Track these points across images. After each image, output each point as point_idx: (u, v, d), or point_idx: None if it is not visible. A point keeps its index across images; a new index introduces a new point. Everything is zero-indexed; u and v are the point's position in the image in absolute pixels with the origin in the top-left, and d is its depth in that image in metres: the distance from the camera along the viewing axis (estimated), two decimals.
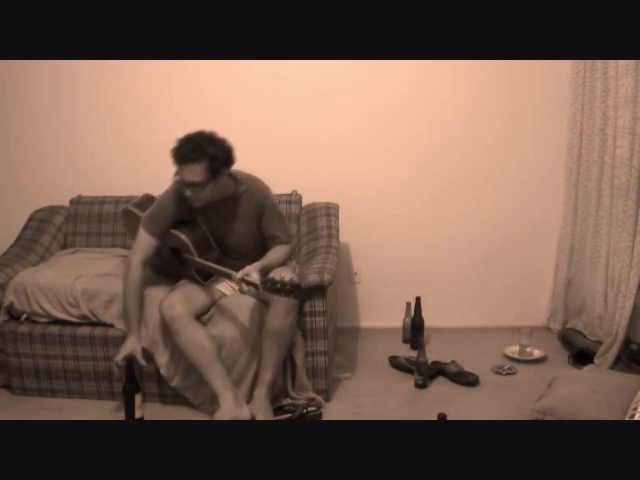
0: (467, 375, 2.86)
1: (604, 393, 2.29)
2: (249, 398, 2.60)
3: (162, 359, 2.65)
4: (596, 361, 2.87)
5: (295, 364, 2.66)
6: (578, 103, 3.10)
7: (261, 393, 2.56)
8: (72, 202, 3.45)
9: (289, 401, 2.65)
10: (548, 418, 2.30)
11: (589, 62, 3.00)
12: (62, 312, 2.81)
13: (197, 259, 2.59)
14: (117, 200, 3.39)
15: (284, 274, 2.41)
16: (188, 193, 2.50)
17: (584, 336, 3.11)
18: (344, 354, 3.19)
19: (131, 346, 2.54)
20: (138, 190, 3.33)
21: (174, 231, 2.62)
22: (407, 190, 3.43)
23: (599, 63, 2.91)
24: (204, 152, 2.41)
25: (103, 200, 3.41)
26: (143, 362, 2.53)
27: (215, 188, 2.51)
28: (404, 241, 3.47)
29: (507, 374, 2.92)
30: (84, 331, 2.78)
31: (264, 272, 2.50)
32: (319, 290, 2.64)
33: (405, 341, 3.33)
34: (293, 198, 3.29)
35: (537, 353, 3.08)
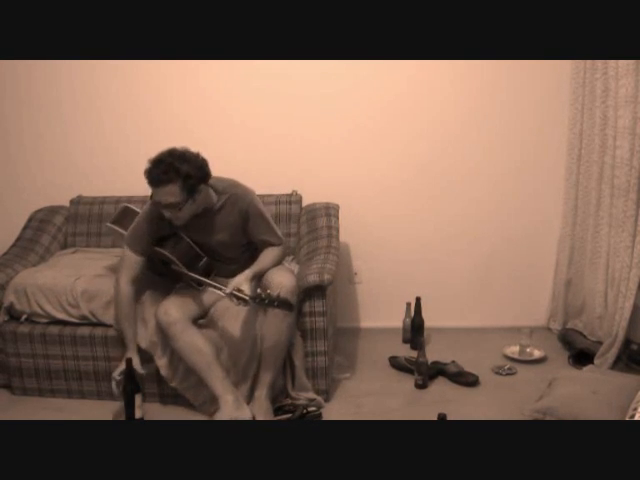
0: (467, 375, 2.85)
1: (604, 393, 2.30)
2: (249, 398, 2.60)
3: (162, 360, 2.64)
4: (596, 361, 2.87)
5: (294, 364, 2.66)
6: (578, 103, 3.10)
7: (261, 393, 2.56)
8: (72, 202, 3.45)
9: (289, 401, 2.65)
10: (548, 418, 2.30)
11: (589, 62, 3.00)
12: (62, 312, 2.81)
13: (185, 272, 2.58)
14: (117, 200, 3.38)
15: (282, 283, 2.42)
16: (167, 214, 2.46)
17: (584, 336, 3.11)
18: (344, 354, 3.18)
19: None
20: (138, 190, 3.32)
21: (157, 249, 2.59)
22: (407, 190, 3.43)
23: (599, 63, 2.91)
24: (177, 172, 2.35)
25: (103, 200, 3.41)
26: (141, 371, 2.52)
27: (194, 205, 2.47)
28: (404, 241, 3.47)
29: (507, 374, 2.92)
30: (84, 331, 2.78)
31: (257, 278, 2.51)
32: (319, 290, 2.64)
33: (405, 341, 3.33)
34: (293, 198, 3.29)
35: (537, 353, 3.08)
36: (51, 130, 3.53)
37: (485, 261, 3.47)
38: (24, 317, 2.84)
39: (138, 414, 2.45)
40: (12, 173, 3.60)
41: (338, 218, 3.17)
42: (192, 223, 2.57)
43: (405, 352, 3.14)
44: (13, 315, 2.87)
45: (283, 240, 2.70)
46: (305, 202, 3.31)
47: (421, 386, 2.81)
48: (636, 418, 1.95)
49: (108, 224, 3.05)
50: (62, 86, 3.47)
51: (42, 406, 2.77)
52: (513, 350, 3.10)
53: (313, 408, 2.60)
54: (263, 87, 3.34)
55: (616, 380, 2.47)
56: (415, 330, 3.22)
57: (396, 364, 3.03)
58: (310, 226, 3.15)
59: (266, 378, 2.56)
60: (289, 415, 2.57)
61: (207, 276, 2.63)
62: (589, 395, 2.32)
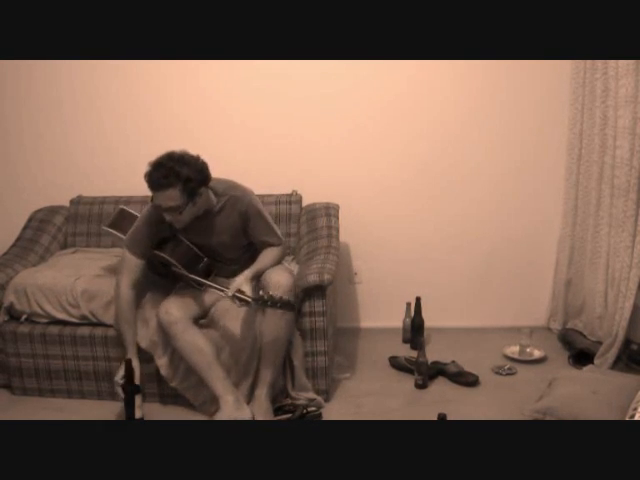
0: (467, 375, 2.85)
1: (604, 393, 2.30)
2: (249, 398, 2.60)
3: (162, 360, 2.65)
4: (596, 361, 2.87)
5: (294, 364, 2.66)
6: (578, 103, 3.10)
7: (261, 393, 2.56)
8: (72, 202, 3.45)
9: (289, 401, 2.65)
10: (548, 418, 2.30)
11: (589, 62, 3.00)
12: (62, 312, 2.81)
13: (186, 274, 2.58)
14: (117, 200, 3.38)
15: (279, 282, 2.42)
16: (168, 218, 2.46)
17: (584, 336, 3.11)
18: (344, 354, 3.18)
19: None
20: (138, 190, 3.32)
21: (157, 252, 2.58)
22: (407, 190, 3.43)
23: (599, 63, 2.91)
24: (177, 176, 2.35)
25: (103, 200, 3.41)
26: (138, 383, 2.48)
27: (195, 208, 2.47)
28: (404, 241, 3.47)
29: (507, 374, 2.92)
30: (84, 331, 2.78)
31: (256, 278, 2.51)
32: (319, 290, 2.64)
33: (405, 341, 3.33)
34: (293, 198, 3.29)
35: (537, 353, 3.08)
36: (51, 130, 3.53)
37: (485, 261, 3.47)
38: (24, 317, 2.84)
39: (138, 414, 2.45)
40: (12, 173, 3.60)
41: (338, 218, 3.17)
42: (192, 225, 2.57)
43: (405, 352, 3.14)
44: (13, 315, 2.87)
45: (283, 240, 2.71)
46: (305, 202, 3.31)
47: (421, 386, 2.81)
48: (636, 418, 1.95)
49: (104, 227, 3.05)
50: (62, 86, 3.47)
51: (42, 406, 2.77)
52: (513, 350, 3.10)
53: (313, 408, 2.61)
54: (263, 87, 3.34)
55: (616, 380, 2.47)
56: (415, 330, 3.22)
57: (396, 364, 3.03)
58: (310, 226, 3.15)
59: (266, 377, 2.56)
60: (289, 415, 2.57)
61: (207, 277, 2.63)
62: (589, 395, 2.32)
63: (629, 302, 2.74)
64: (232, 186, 2.62)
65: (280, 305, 2.34)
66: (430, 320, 3.25)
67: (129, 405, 2.43)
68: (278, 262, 2.66)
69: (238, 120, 3.38)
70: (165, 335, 2.59)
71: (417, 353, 2.84)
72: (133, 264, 2.59)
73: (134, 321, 2.61)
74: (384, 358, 3.09)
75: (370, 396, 2.76)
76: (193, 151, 2.48)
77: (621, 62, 2.71)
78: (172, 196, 2.37)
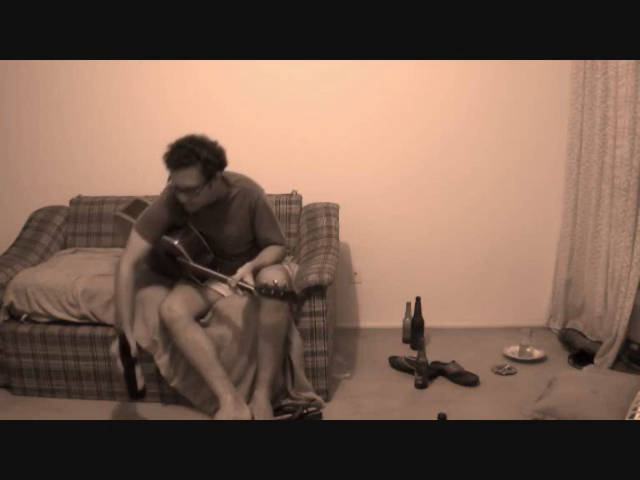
0: (467, 375, 2.86)
1: (604, 393, 2.30)
2: (249, 398, 2.60)
3: (162, 359, 2.65)
4: (596, 361, 2.87)
5: (293, 364, 2.66)
6: (578, 103, 3.10)
7: (261, 393, 2.56)
8: (72, 202, 3.45)
9: (289, 401, 2.65)
10: (548, 418, 2.30)
11: (589, 62, 3.00)
12: (62, 312, 2.81)
13: (191, 264, 2.59)
14: (117, 200, 3.39)
15: (276, 280, 2.41)
16: (183, 198, 2.48)
17: (584, 336, 3.11)
18: (344, 354, 3.19)
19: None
20: (138, 190, 3.33)
21: (166, 237, 2.59)
22: (407, 190, 3.43)
23: (599, 63, 2.91)
24: (197, 156, 2.40)
25: (103, 200, 3.41)
26: (136, 353, 2.45)
27: (209, 192, 2.50)
28: (404, 241, 3.47)
29: (507, 374, 2.92)
30: (84, 331, 2.78)
31: (256, 272, 2.52)
32: (319, 290, 2.64)
33: (405, 341, 3.33)
34: (293, 198, 3.29)
35: (537, 353, 3.08)
36: (51, 130, 3.53)
37: (485, 261, 3.47)
38: (24, 317, 2.84)
39: (140, 385, 2.42)
40: (12, 173, 3.60)
41: (338, 218, 3.17)
42: (203, 214, 2.60)
43: (405, 352, 3.14)
44: (13, 315, 2.87)
45: (285, 241, 2.73)
46: (305, 202, 3.31)
47: (421, 386, 2.81)
48: (636, 418, 1.95)
49: (118, 212, 3.00)
50: (62, 86, 3.47)
51: (42, 406, 2.77)
52: (513, 350, 3.10)
53: (313, 408, 2.60)
54: (263, 87, 3.34)
55: (616, 380, 2.47)
56: (415, 330, 3.22)
57: (396, 364, 3.03)
58: (310, 226, 3.15)
59: (265, 376, 2.56)
60: (289, 415, 2.57)
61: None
62: (589, 395, 2.31)
63: (629, 302, 2.74)
64: (244, 179, 2.67)
65: (283, 295, 2.32)
66: (430, 320, 3.25)
67: (129, 378, 2.40)
68: (278, 261, 2.66)
69: (238, 120, 3.38)
70: (166, 332, 2.59)
71: (417, 353, 2.84)
72: (139, 246, 2.58)
73: (131, 300, 2.58)
74: (384, 358, 3.09)
75: (370, 396, 2.76)
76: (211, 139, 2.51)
77: (621, 62, 2.71)
78: (191, 175, 2.41)
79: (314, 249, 3.00)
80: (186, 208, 2.56)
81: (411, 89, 3.32)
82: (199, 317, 2.65)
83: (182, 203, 2.52)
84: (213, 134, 3.51)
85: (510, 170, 3.37)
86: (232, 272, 2.57)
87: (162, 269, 2.80)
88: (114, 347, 2.46)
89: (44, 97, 3.48)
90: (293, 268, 2.88)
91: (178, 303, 2.56)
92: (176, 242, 2.58)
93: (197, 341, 2.53)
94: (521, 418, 2.37)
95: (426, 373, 2.82)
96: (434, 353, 3.01)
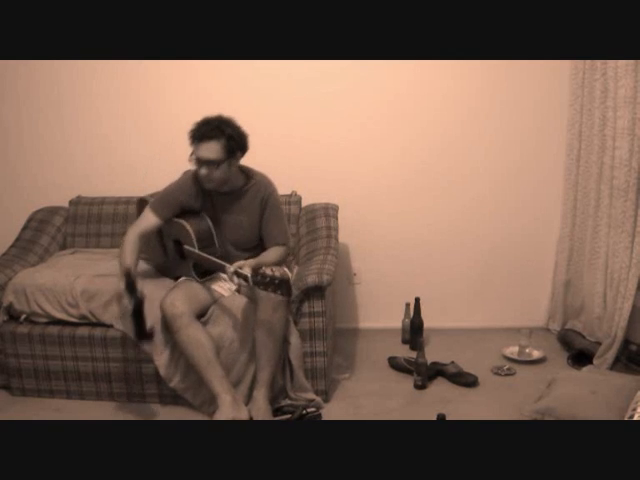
0: (466, 376, 2.85)
1: (603, 394, 2.30)
2: (248, 399, 2.60)
3: (161, 359, 2.65)
4: (595, 362, 2.87)
5: (292, 365, 2.66)
6: (577, 104, 3.10)
7: (260, 393, 2.56)
8: (71, 203, 3.44)
9: (288, 402, 2.65)
10: (547, 418, 2.30)
11: (588, 63, 3.00)
12: (61, 312, 2.81)
13: (196, 251, 2.60)
14: (116, 201, 3.39)
15: (275, 270, 2.41)
16: (203, 171, 2.54)
17: (583, 337, 3.11)
18: (343, 355, 3.18)
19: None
20: (138, 191, 3.33)
21: (179, 220, 2.65)
22: (406, 191, 3.43)
23: (598, 64, 2.91)
24: (222, 132, 2.51)
25: (102, 201, 3.41)
26: (141, 292, 2.46)
27: (228, 171, 2.56)
28: (403, 242, 3.47)
29: (506, 375, 2.92)
30: (83, 332, 2.77)
31: (257, 269, 2.51)
32: (318, 291, 2.64)
33: (404, 342, 3.33)
34: (293, 199, 3.29)
35: (536, 354, 3.08)
36: (50, 130, 3.53)
37: (484, 261, 3.47)
38: (23, 317, 2.84)
39: (148, 324, 2.46)
40: (12, 173, 3.60)
41: (337, 219, 3.17)
42: (217, 200, 2.67)
43: (404, 353, 3.14)
44: (12, 315, 2.87)
45: (290, 242, 2.77)
46: (305, 202, 3.31)
47: (420, 387, 2.81)
48: (635, 418, 1.96)
49: (144, 197, 2.94)
50: (62, 86, 3.46)
51: (41, 407, 2.76)
52: (512, 351, 3.10)
53: (312, 409, 2.60)
54: (263, 87, 3.34)
55: (615, 380, 2.47)
56: (414, 331, 3.22)
57: (395, 365, 3.03)
58: (309, 227, 3.15)
59: (263, 377, 2.56)
60: (288, 416, 2.57)
61: (213, 272, 2.67)
62: (588, 396, 2.32)
63: (628, 303, 2.74)
64: (263, 175, 2.76)
65: (278, 282, 2.31)
66: (429, 321, 3.25)
67: (137, 317, 2.43)
68: (280, 263, 2.67)
69: (238, 120, 3.37)
70: (166, 330, 2.59)
71: (416, 354, 2.84)
72: (150, 220, 2.64)
73: (137, 252, 2.60)
74: (383, 359, 3.09)
75: (369, 397, 2.76)
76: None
77: (620, 63, 2.71)
78: (214, 149, 2.50)
79: (313, 250, 3.00)
80: (203, 184, 2.61)
81: (411, 89, 3.32)
82: (199, 316, 2.65)
83: (198, 185, 2.61)
84: None
85: (509, 171, 3.37)
86: None
87: (164, 265, 2.80)
88: (120, 285, 2.48)
89: (44, 97, 3.48)
90: (293, 269, 2.88)
91: (181, 299, 2.56)
92: (188, 225, 2.63)
93: (198, 339, 2.53)
94: (520, 418, 2.37)
95: (425, 374, 2.82)
96: (433, 354, 3.01)
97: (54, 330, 2.79)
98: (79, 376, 2.81)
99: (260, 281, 2.33)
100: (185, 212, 2.69)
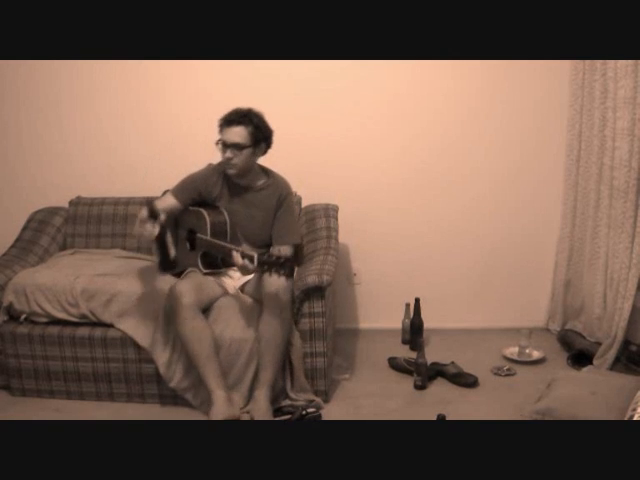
0: (466, 376, 2.85)
1: (603, 394, 2.30)
2: (248, 399, 2.60)
3: (161, 359, 2.64)
4: (595, 362, 2.87)
5: (293, 365, 2.66)
6: (577, 104, 3.10)
7: (261, 393, 2.56)
8: (71, 203, 3.44)
9: (288, 402, 2.65)
10: (547, 419, 2.30)
11: (588, 64, 3.00)
12: (62, 312, 2.81)
13: (208, 238, 2.62)
14: (116, 201, 3.38)
15: (275, 280, 2.44)
16: (228, 154, 2.62)
17: (583, 337, 3.12)
18: (343, 355, 3.18)
19: None
20: (138, 191, 3.33)
21: (199, 208, 2.71)
22: (406, 191, 3.43)
23: (598, 64, 2.91)
24: (250, 120, 2.64)
25: (102, 201, 3.41)
26: (164, 219, 2.53)
27: (250, 159, 2.67)
28: (403, 242, 3.47)
29: (506, 375, 2.92)
30: (83, 332, 2.77)
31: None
32: (318, 291, 2.64)
33: (404, 342, 3.33)
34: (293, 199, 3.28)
35: (536, 354, 3.08)
36: (50, 131, 3.52)
37: (484, 262, 3.47)
38: (23, 317, 2.83)
39: (172, 253, 2.53)
40: (11, 174, 3.59)
41: (337, 219, 3.17)
42: (235, 192, 2.75)
43: (404, 353, 3.14)
44: (12, 315, 2.87)
45: (300, 242, 2.85)
46: (304, 203, 3.31)
47: (420, 387, 2.81)
48: (635, 419, 1.95)
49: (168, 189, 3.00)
50: (61, 86, 3.46)
51: (41, 407, 2.76)
52: (512, 351, 3.10)
53: (312, 409, 2.60)
54: (263, 87, 3.33)
55: (615, 381, 2.47)
56: (414, 331, 3.22)
57: (395, 365, 3.03)
58: (309, 227, 3.15)
59: (265, 377, 2.56)
60: (288, 416, 2.57)
61: (224, 267, 2.71)
62: (588, 396, 2.32)
63: (628, 303, 2.74)
64: (281, 176, 2.86)
65: (283, 260, 2.33)
66: (429, 321, 3.25)
67: (161, 244, 2.49)
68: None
69: None
70: (167, 330, 2.60)
71: (416, 354, 2.84)
72: (169, 201, 2.73)
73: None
74: (383, 359, 3.09)
75: (369, 397, 2.76)
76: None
77: (620, 63, 2.71)
78: (240, 133, 2.62)
79: (313, 250, 2.99)
80: (226, 169, 2.68)
81: (411, 89, 3.33)
82: (205, 309, 2.66)
83: (218, 175, 2.72)
84: (213, 134, 3.51)
85: (509, 171, 3.37)
86: None
87: (173, 259, 2.80)
88: (143, 212, 2.54)
89: (43, 97, 3.48)
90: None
91: (189, 291, 2.57)
92: (205, 213, 2.67)
93: (200, 332, 2.54)
94: (520, 419, 2.37)
95: (425, 374, 2.82)
96: (433, 354, 3.01)
97: (54, 330, 2.79)
98: (79, 376, 2.80)
99: (265, 260, 2.35)
100: (205, 204, 2.74)
